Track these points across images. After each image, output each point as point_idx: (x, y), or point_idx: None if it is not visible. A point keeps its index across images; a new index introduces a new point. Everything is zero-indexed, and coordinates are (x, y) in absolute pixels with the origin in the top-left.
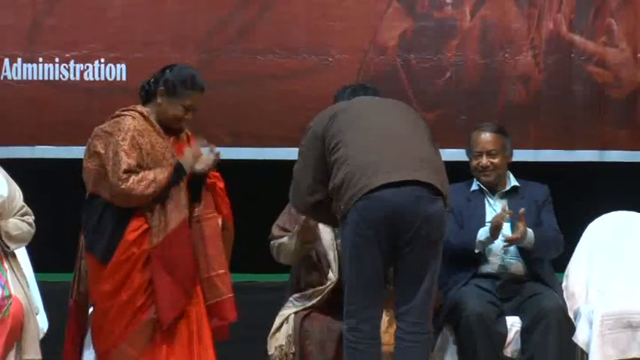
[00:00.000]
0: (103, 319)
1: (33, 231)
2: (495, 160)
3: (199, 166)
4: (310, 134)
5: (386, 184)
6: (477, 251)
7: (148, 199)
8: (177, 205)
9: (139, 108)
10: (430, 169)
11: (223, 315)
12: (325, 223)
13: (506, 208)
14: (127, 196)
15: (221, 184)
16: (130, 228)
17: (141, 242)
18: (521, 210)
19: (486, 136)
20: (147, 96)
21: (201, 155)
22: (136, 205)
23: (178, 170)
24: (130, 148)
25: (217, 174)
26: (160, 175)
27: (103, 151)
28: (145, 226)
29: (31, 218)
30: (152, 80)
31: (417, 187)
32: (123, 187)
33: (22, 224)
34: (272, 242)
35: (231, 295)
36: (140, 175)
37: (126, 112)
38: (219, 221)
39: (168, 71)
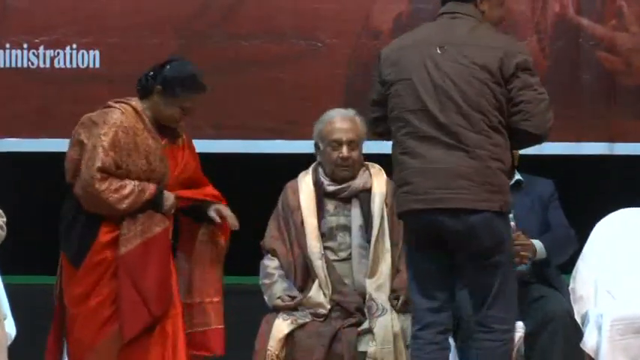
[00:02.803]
0: (72, 324)
1: (3, 234)
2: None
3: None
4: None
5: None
6: None
7: (117, 212)
8: (152, 215)
9: (134, 102)
10: (465, 183)
11: (210, 346)
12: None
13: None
14: (97, 199)
15: (214, 192)
16: (103, 230)
17: (114, 247)
18: (517, 234)
19: None
20: (143, 91)
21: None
22: (104, 214)
23: (156, 201)
24: (110, 145)
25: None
26: (138, 197)
27: (85, 141)
28: (117, 230)
29: (1, 220)
30: (150, 74)
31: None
32: (96, 186)
33: None
34: (265, 265)
35: (221, 326)
36: (116, 184)
37: (117, 105)
38: (224, 243)
39: (167, 67)
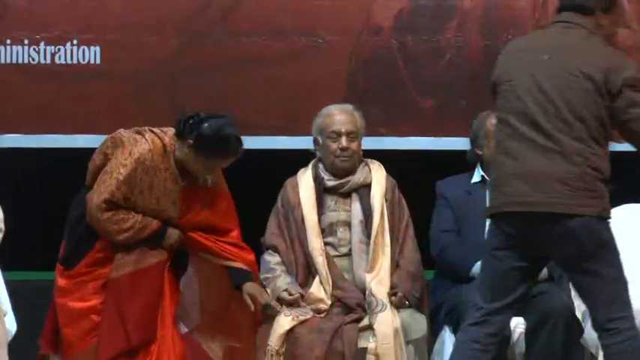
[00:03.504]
0: (62, 318)
1: (1, 235)
2: None
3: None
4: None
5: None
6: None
7: (115, 241)
8: (148, 247)
9: (167, 138)
10: (562, 188)
11: None
12: None
13: None
14: (98, 227)
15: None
16: (98, 246)
17: (105, 264)
18: None
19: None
20: (179, 133)
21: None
22: (101, 235)
23: (156, 237)
24: (125, 179)
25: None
26: (137, 232)
27: (110, 156)
28: (110, 250)
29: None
30: (189, 122)
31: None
32: (98, 215)
33: None
34: (267, 260)
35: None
36: (118, 217)
37: (149, 137)
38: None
39: (205, 125)
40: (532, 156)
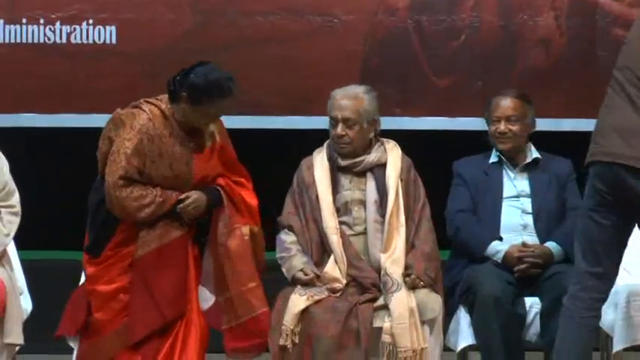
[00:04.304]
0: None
1: (17, 220)
2: (514, 127)
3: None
4: None
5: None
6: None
7: (137, 220)
8: (170, 221)
9: (164, 105)
10: None
11: (261, 330)
12: None
13: (528, 186)
14: (118, 207)
15: (237, 178)
16: (120, 229)
17: (129, 244)
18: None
19: (507, 102)
20: (171, 95)
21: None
22: (123, 218)
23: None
24: (133, 152)
25: (239, 178)
26: (158, 207)
27: (114, 138)
28: (133, 230)
29: (14, 207)
30: (177, 79)
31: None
32: (117, 193)
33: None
34: (283, 240)
35: (266, 309)
36: (137, 193)
37: (146, 108)
38: (244, 230)
39: (192, 75)
40: (628, 112)
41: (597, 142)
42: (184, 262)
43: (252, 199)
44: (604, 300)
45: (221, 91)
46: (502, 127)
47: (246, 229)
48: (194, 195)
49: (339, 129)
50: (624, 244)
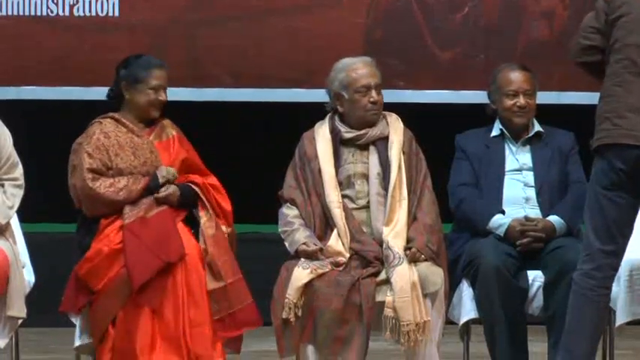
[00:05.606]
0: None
1: (21, 193)
2: (531, 101)
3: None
4: None
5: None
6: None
7: (117, 205)
8: (151, 202)
9: (111, 114)
10: None
11: (247, 322)
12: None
13: (530, 159)
14: (95, 198)
15: (213, 181)
16: (103, 223)
17: (119, 217)
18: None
19: (520, 75)
20: (116, 102)
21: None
22: (105, 212)
23: (152, 184)
24: (94, 149)
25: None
26: (133, 185)
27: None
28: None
29: (18, 180)
30: (113, 85)
31: None
32: (90, 186)
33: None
34: (285, 214)
35: (250, 300)
36: (109, 182)
37: (95, 120)
38: (224, 228)
39: (121, 68)
40: None
41: (616, 124)
42: (172, 218)
43: (227, 205)
44: (615, 275)
45: (151, 61)
46: (522, 100)
47: (226, 228)
48: (170, 189)
49: (375, 94)
50: (635, 220)
